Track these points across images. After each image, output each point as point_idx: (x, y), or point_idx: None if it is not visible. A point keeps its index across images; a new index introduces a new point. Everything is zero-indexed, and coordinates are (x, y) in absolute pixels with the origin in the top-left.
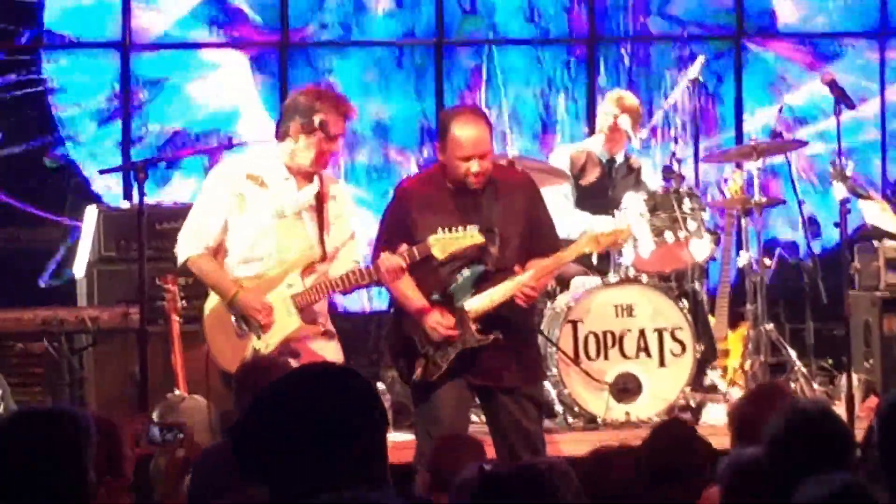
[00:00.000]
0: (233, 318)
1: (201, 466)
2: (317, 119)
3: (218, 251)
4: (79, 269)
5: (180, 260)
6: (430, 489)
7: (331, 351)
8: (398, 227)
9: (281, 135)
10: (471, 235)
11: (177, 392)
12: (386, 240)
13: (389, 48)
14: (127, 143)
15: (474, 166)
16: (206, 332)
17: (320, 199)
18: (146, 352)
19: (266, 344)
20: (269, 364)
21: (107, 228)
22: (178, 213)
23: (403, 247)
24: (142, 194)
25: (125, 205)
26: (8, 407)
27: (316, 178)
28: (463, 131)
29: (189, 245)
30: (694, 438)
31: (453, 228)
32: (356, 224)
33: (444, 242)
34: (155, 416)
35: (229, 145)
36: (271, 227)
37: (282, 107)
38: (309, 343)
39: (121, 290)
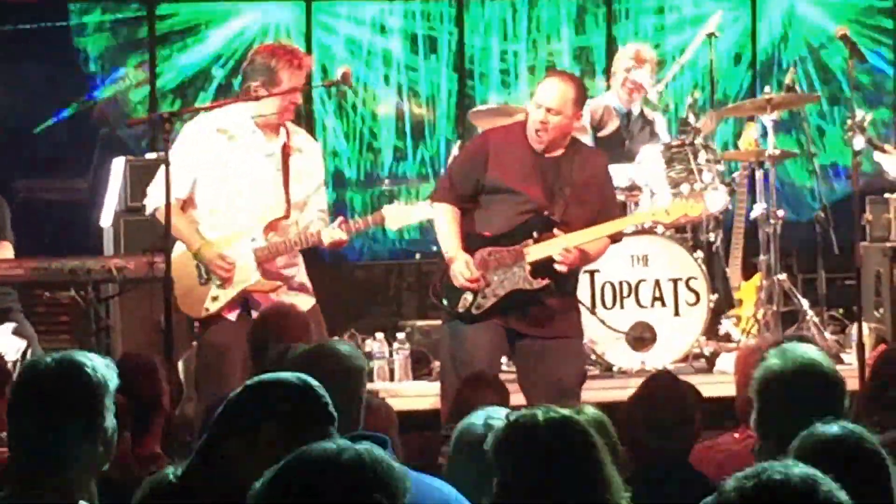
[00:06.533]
0: (195, 266)
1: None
2: (276, 75)
3: (187, 203)
4: (105, 219)
5: (149, 210)
6: (447, 421)
7: (302, 303)
8: (471, 167)
9: (244, 93)
10: (422, 209)
11: None
12: (452, 174)
13: None
14: (153, 93)
15: (540, 114)
16: (174, 279)
17: (286, 152)
18: (171, 300)
19: (224, 293)
20: (278, 316)
21: (133, 179)
22: None
23: (352, 221)
24: (167, 145)
25: (151, 156)
26: (35, 354)
27: (282, 130)
28: (547, 82)
29: (158, 196)
30: (680, 388)
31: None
32: (322, 174)
33: (397, 215)
34: (181, 363)
35: (251, 97)
36: (239, 180)
37: (241, 68)
38: (278, 296)
39: (146, 240)
